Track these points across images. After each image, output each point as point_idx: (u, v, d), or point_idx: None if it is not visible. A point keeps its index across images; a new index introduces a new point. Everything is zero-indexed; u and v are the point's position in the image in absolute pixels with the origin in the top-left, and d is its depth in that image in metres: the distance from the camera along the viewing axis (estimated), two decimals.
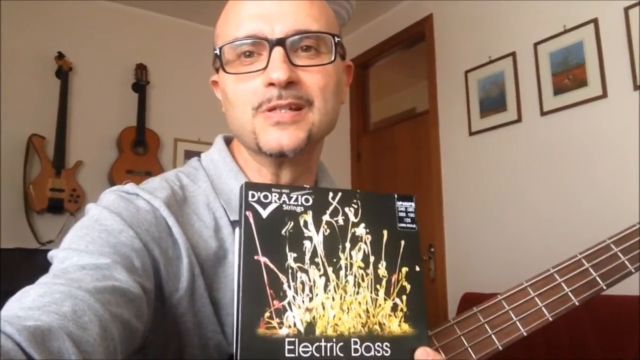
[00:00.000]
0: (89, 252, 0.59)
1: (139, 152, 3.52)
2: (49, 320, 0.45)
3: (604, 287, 0.72)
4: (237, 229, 0.53)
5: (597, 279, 0.72)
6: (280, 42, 0.68)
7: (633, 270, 0.72)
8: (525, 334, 0.68)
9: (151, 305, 0.61)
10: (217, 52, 0.72)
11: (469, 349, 0.66)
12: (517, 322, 0.68)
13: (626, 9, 2.42)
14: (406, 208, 0.60)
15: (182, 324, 0.65)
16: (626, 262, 0.73)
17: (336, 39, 0.72)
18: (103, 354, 0.48)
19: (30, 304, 0.48)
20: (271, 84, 0.68)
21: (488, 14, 3.12)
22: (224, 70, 0.72)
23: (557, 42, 2.71)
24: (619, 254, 0.73)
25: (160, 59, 3.78)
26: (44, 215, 3.20)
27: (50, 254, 0.61)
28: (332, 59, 0.71)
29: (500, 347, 0.67)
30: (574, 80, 2.62)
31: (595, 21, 2.55)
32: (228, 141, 0.84)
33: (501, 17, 3.04)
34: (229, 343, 0.67)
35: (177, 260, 0.66)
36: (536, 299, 0.70)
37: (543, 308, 0.69)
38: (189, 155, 3.71)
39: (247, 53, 0.70)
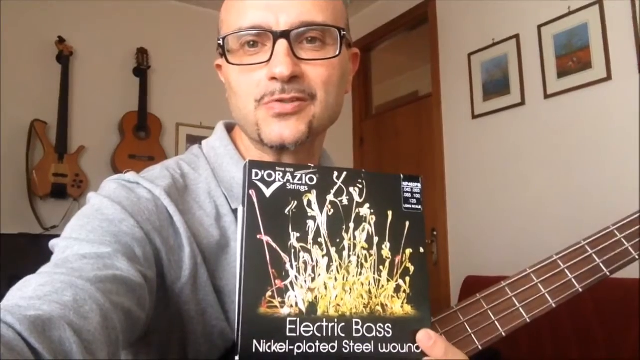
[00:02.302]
0: (90, 241, 0.59)
1: (141, 137, 3.51)
2: (50, 310, 0.45)
3: (608, 274, 0.71)
4: (240, 207, 0.53)
5: (601, 265, 0.71)
6: (285, 34, 0.67)
7: (637, 257, 0.72)
8: (528, 320, 0.68)
9: (153, 294, 0.62)
10: (221, 41, 0.71)
11: (472, 335, 0.66)
12: (521, 309, 0.68)
13: None
14: (412, 189, 0.59)
15: (185, 313, 0.65)
16: (630, 248, 0.72)
17: (342, 33, 0.70)
18: (104, 343, 0.48)
19: (31, 293, 0.48)
20: (274, 78, 0.67)
21: None
22: (228, 62, 0.71)
23: (562, 24, 2.68)
24: (623, 240, 0.73)
25: (162, 43, 3.76)
26: (47, 200, 3.21)
27: (51, 243, 0.61)
28: (337, 52, 0.70)
29: (503, 334, 0.67)
30: (578, 62, 2.59)
31: (600, 2, 2.52)
32: (229, 128, 0.83)
33: None
34: (232, 330, 0.67)
35: (179, 249, 0.66)
36: (540, 285, 0.70)
37: (547, 294, 0.69)
38: (190, 139, 3.70)
39: (251, 43, 0.69)
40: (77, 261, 0.55)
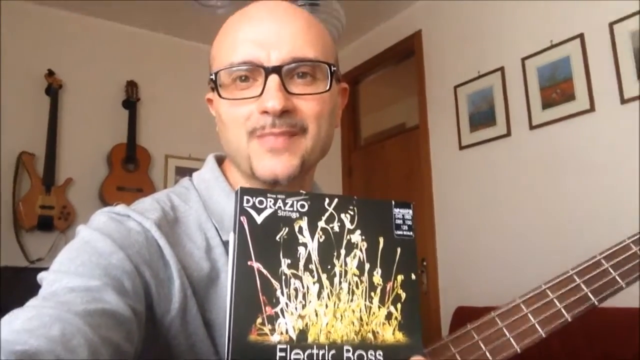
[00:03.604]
0: (79, 274, 0.58)
1: (129, 169, 3.50)
2: (37, 344, 0.45)
3: (596, 303, 0.72)
4: (231, 234, 0.53)
5: (589, 294, 0.72)
6: (276, 69, 0.68)
7: (624, 286, 0.73)
8: (519, 350, 0.68)
9: (142, 327, 0.61)
10: (213, 76, 0.72)
11: None
12: (511, 339, 0.68)
13: (611, 24, 2.45)
14: (403, 215, 0.59)
15: (175, 347, 0.64)
16: (617, 277, 0.73)
17: (332, 68, 0.71)
18: None
19: (19, 327, 0.47)
20: (266, 112, 0.68)
21: (476, 29, 3.15)
22: (220, 96, 0.72)
23: (545, 57, 2.74)
24: (610, 269, 0.74)
25: (151, 76, 3.78)
26: (33, 232, 3.17)
27: (39, 276, 0.61)
28: (328, 87, 0.71)
29: None
30: (562, 94, 2.64)
31: (581, 36, 2.58)
32: (219, 160, 0.83)
33: (489, 32, 3.07)
34: None
35: (169, 281, 0.65)
36: (529, 315, 0.70)
37: (536, 324, 0.69)
38: (179, 171, 3.70)
39: (243, 77, 0.70)
40: (66, 294, 0.54)
